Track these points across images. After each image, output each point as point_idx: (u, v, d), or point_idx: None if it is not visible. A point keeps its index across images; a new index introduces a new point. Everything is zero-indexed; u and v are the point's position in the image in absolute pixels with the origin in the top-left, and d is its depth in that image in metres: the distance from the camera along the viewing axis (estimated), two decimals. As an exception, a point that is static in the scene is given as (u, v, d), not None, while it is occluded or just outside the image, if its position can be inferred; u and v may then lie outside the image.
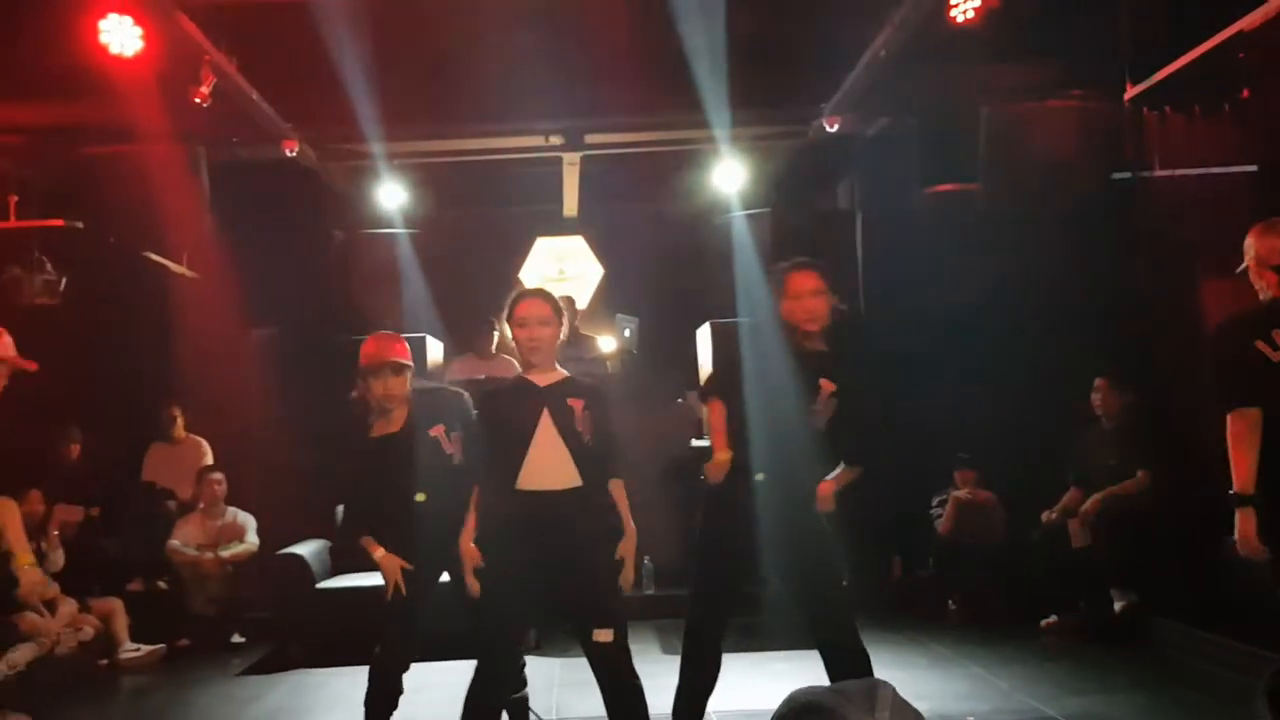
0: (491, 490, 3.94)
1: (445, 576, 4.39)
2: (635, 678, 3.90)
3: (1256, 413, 3.50)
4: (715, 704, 4.85)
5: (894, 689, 1.13)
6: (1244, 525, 3.46)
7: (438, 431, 4.32)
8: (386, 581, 4.27)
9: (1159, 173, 6.93)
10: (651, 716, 3.99)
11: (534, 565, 3.84)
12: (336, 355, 7.45)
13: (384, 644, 4.32)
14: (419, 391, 4.42)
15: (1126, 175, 6.91)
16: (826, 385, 3.93)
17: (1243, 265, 3.89)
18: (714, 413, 4.11)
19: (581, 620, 3.85)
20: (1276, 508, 3.44)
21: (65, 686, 6.00)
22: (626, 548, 3.91)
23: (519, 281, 8.89)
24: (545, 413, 3.84)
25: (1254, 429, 3.51)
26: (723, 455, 3.97)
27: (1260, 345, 3.58)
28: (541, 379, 3.97)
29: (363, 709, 4.27)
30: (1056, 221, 7.06)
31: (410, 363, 4.38)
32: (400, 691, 4.35)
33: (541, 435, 3.83)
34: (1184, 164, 6.69)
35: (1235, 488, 3.51)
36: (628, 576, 3.91)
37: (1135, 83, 6.21)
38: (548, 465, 3.82)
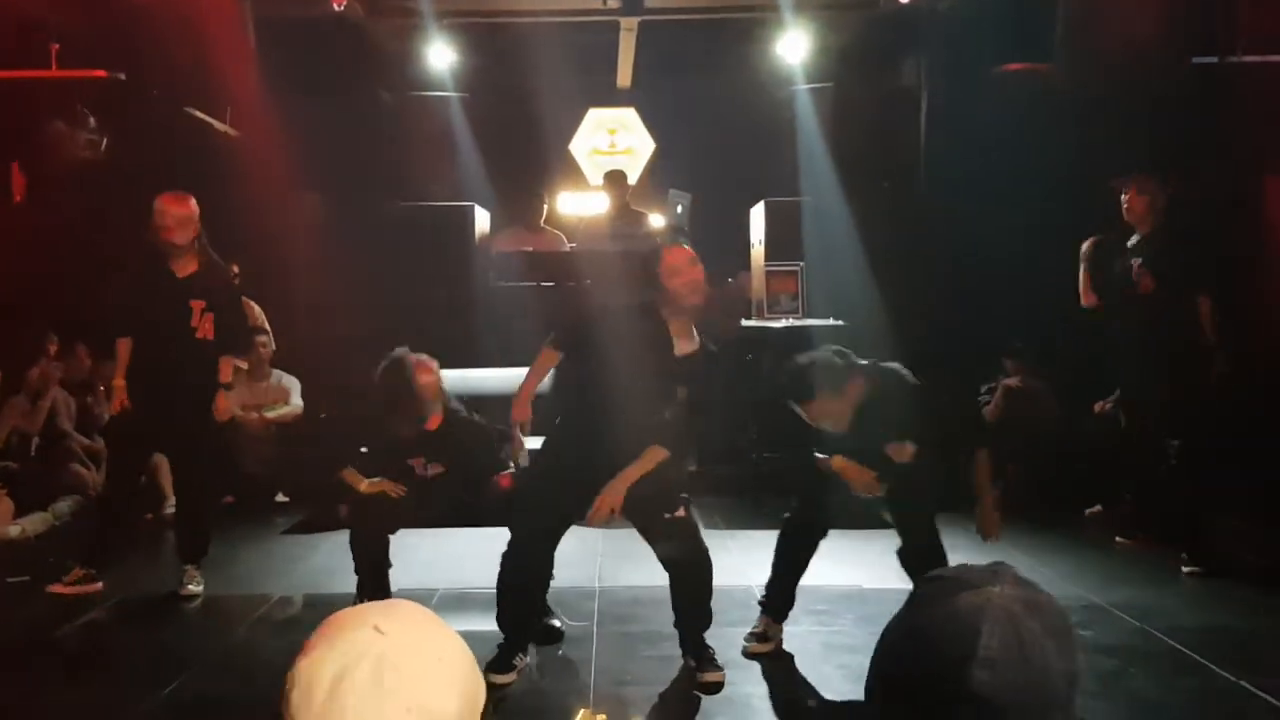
0: (576, 398, 4.05)
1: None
2: (705, 548, 4.03)
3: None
4: (760, 579, 4.86)
5: (1014, 568, 1.13)
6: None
7: None
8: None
9: (1245, 58, 6.59)
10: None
11: (591, 464, 3.96)
12: (384, 220, 7.36)
13: (355, 520, 4.45)
14: None
15: (1211, 59, 6.56)
16: None
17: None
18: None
19: (651, 511, 3.97)
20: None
21: (109, 539, 6.06)
22: None
23: (569, 153, 8.69)
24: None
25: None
26: None
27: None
28: (680, 342, 3.97)
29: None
30: (1132, 105, 6.76)
31: None
32: (387, 564, 4.42)
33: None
34: (1275, 49, 6.35)
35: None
36: None
37: (1231, -44, 5.87)
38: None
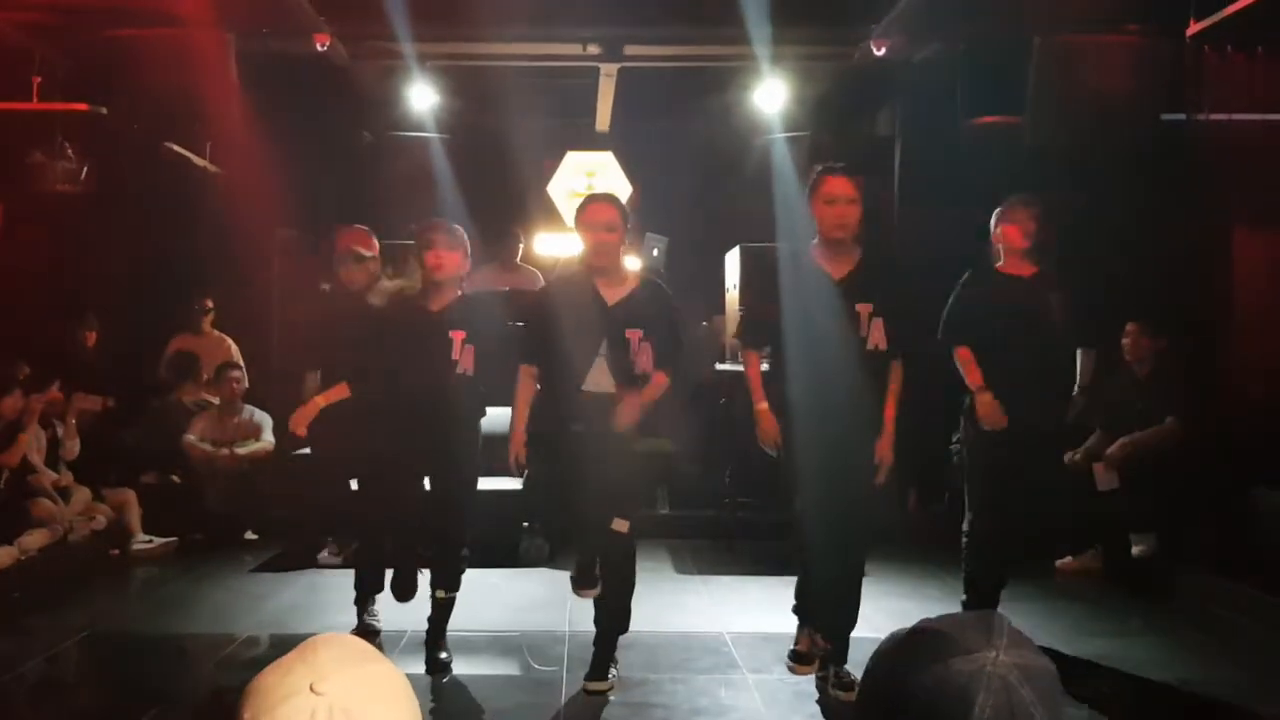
0: (551, 391, 4.12)
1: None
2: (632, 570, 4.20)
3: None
4: (731, 626, 4.86)
5: (1008, 619, 1.08)
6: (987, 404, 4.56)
7: (456, 335, 4.34)
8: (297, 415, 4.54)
9: (1213, 116, 6.73)
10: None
11: (576, 458, 4.06)
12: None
13: (356, 535, 4.63)
14: (462, 295, 4.50)
15: (1180, 116, 6.69)
16: (863, 309, 4.03)
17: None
18: (750, 364, 4.23)
19: (604, 509, 4.08)
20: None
21: (76, 575, 6.00)
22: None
23: (547, 195, 8.74)
24: (605, 340, 4.01)
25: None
26: (761, 406, 4.12)
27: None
28: (610, 291, 4.07)
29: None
30: (1101, 160, 6.88)
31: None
32: (380, 583, 4.62)
33: (600, 358, 4.02)
34: (1242, 108, 6.49)
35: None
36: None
37: (1200, 18, 5.97)
38: (604, 376, 4.04)
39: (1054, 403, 4.76)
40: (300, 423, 4.52)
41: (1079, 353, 4.95)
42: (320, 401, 4.48)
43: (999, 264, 4.81)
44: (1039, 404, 4.58)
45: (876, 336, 4.02)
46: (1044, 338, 4.61)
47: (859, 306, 4.02)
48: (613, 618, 4.22)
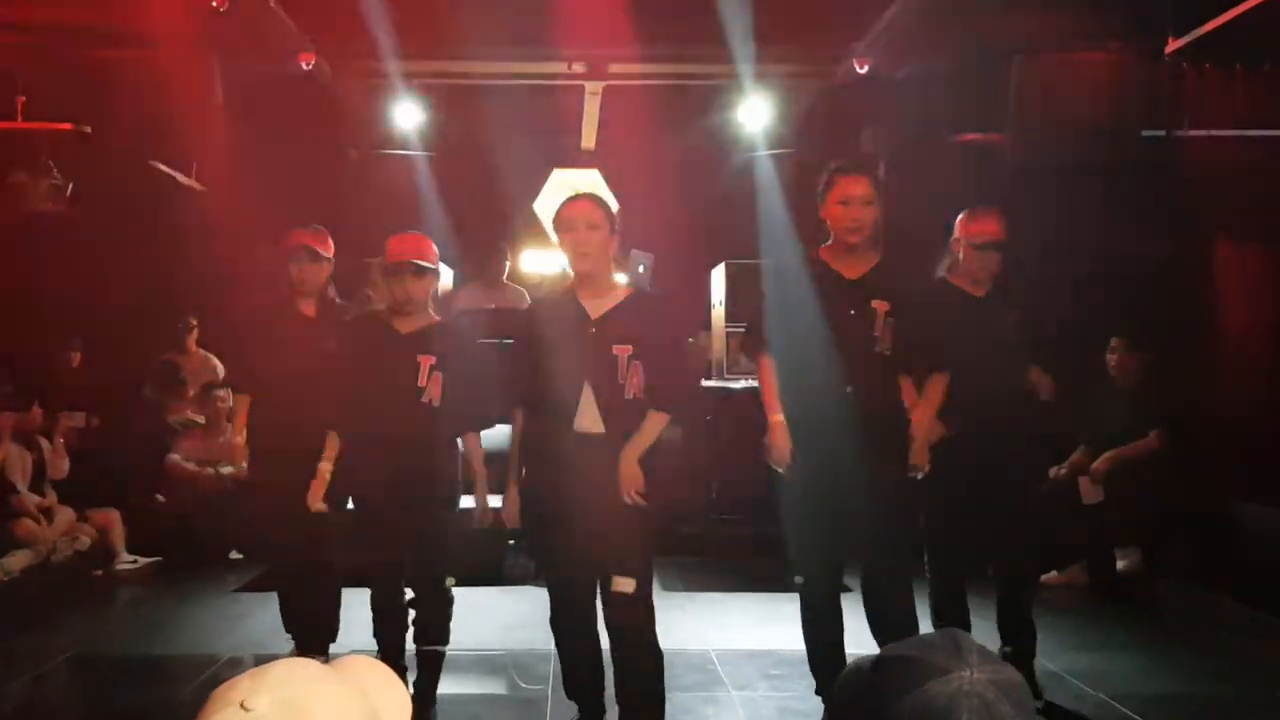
0: (539, 427, 3.63)
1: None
2: (654, 636, 3.61)
3: None
4: (717, 643, 4.85)
5: (972, 637, 1.08)
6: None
7: (425, 360, 4.00)
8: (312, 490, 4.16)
9: (1192, 133, 6.79)
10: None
11: (567, 506, 3.55)
12: (347, 278, 7.38)
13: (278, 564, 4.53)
14: (439, 322, 4.28)
15: (1160, 133, 6.75)
16: (880, 306, 3.76)
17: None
18: (764, 371, 3.87)
19: (601, 568, 3.54)
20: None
21: (59, 596, 5.98)
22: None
23: (533, 213, 8.77)
24: (589, 363, 3.49)
25: None
26: (776, 418, 3.76)
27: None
28: (594, 303, 3.57)
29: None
30: (1083, 176, 6.93)
31: (434, 266, 4.15)
32: (315, 608, 4.58)
33: (588, 387, 3.51)
34: (1220, 124, 6.54)
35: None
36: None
37: (1178, 36, 6.03)
38: (592, 412, 3.51)
39: (1007, 415, 4.36)
40: (316, 498, 4.14)
41: (1033, 371, 4.52)
42: (326, 468, 4.13)
43: (953, 275, 4.47)
44: (989, 419, 4.24)
45: (890, 338, 3.76)
46: (994, 357, 4.27)
47: (874, 303, 3.74)
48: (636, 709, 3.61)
